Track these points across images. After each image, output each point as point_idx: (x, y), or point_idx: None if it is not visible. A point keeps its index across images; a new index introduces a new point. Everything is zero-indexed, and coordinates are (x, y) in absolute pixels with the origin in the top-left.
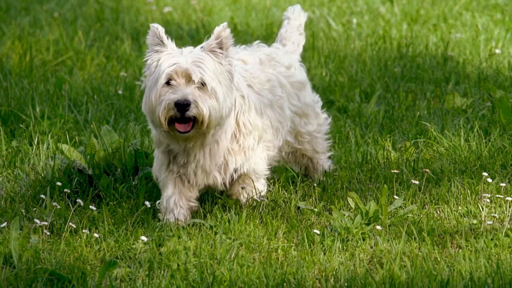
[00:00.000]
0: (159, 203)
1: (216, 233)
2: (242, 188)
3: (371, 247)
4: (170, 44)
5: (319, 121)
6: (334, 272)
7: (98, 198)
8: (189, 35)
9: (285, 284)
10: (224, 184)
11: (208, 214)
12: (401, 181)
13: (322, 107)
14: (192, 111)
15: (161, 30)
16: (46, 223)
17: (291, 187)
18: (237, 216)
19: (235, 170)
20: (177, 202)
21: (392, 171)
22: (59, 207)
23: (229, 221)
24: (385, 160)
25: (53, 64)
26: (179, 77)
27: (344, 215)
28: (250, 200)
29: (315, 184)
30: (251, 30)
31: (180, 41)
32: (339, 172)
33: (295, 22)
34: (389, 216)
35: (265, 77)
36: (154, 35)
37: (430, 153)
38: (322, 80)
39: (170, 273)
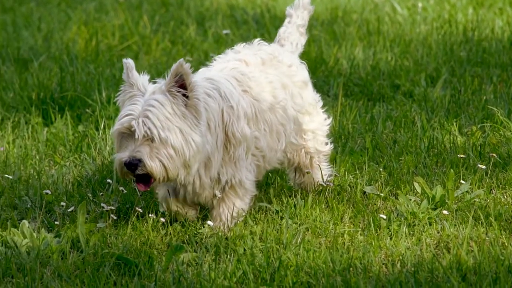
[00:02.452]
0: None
1: (282, 218)
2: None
3: (438, 232)
4: (137, 82)
5: (320, 120)
6: (400, 257)
7: None
8: (254, 19)
9: (351, 269)
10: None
11: (274, 199)
12: (468, 165)
13: (391, 90)
14: (141, 170)
15: (129, 66)
16: (112, 207)
17: (357, 172)
18: (303, 201)
19: (227, 182)
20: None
21: (459, 155)
22: (125, 191)
23: (295, 205)
24: (451, 144)
25: (118, 49)
26: (129, 131)
27: (410, 200)
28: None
29: (381, 169)
30: (316, 15)
31: (245, 26)
32: (405, 156)
33: (296, 20)
34: (456, 201)
35: (266, 79)
36: (125, 71)
37: (497, 137)
38: (387, 65)
39: (237, 258)
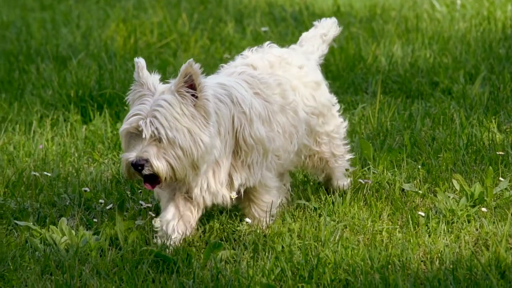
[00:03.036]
0: (155, 221)
1: (320, 215)
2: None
3: (477, 229)
4: (147, 81)
5: (336, 123)
6: (439, 254)
7: None
8: (292, 17)
9: (389, 266)
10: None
11: (312, 196)
12: (507, 163)
13: (430, 87)
14: (147, 171)
15: (140, 65)
16: (150, 205)
17: (396, 169)
18: (341, 198)
19: (241, 185)
20: (175, 228)
21: (497, 152)
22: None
23: (333, 203)
24: (490, 141)
25: (157, 47)
26: (137, 131)
27: (449, 197)
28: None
29: (419, 166)
30: (355, 12)
31: (284, 23)
32: (444, 154)
33: (321, 30)
34: (495, 198)
35: (275, 81)
36: (136, 70)
37: None
38: (426, 62)
39: (275, 255)
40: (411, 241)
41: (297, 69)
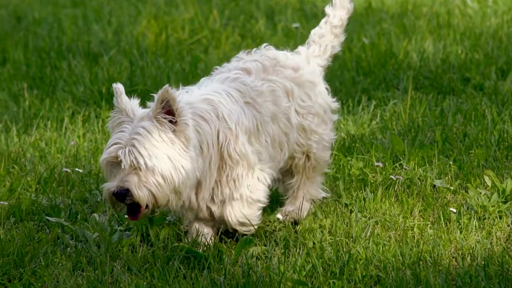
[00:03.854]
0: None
1: (351, 212)
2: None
3: (508, 226)
4: (126, 107)
5: (326, 128)
6: (470, 251)
7: None
8: (323, 13)
9: (421, 262)
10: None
11: (343, 192)
12: None
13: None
14: (129, 200)
15: (119, 91)
16: None
17: (427, 165)
18: (372, 194)
19: (222, 202)
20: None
21: None
22: None
23: (364, 199)
24: None
25: (188, 43)
26: (116, 160)
27: (480, 193)
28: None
29: (451, 162)
30: (386, 8)
31: (315, 20)
32: (475, 150)
33: (333, 20)
34: None
35: (268, 88)
36: (114, 96)
37: None
38: (457, 58)
39: (306, 251)
40: (443, 237)
41: (291, 71)
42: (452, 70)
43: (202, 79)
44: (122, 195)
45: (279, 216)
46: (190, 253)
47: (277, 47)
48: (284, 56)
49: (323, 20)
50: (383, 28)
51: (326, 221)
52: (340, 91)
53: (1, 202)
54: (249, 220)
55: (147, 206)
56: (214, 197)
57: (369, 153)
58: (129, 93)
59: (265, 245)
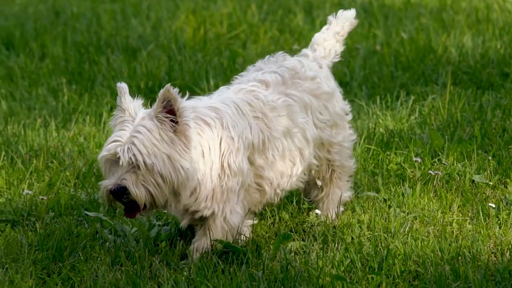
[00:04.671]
0: None
1: (390, 207)
2: None
3: None
4: (129, 106)
5: (345, 134)
6: (510, 246)
7: None
8: (362, 7)
9: (460, 257)
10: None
11: (382, 188)
12: None
13: (501, 78)
14: (126, 198)
15: (123, 90)
16: None
17: (466, 160)
18: (411, 189)
19: (202, 218)
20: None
21: None
22: None
23: (403, 194)
24: None
25: (226, 38)
26: (115, 158)
27: None
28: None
29: (490, 157)
30: (425, 3)
31: None
32: None
33: (335, 28)
34: None
35: (284, 102)
36: (118, 95)
37: None
38: (496, 53)
39: (344, 246)
40: (482, 232)
41: (310, 82)
42: (491, 65)
43: (221, 88)
44: (119, 193)
45: (317, 211)
46: (228, 247)
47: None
48: (300, 65)
49: (325, 27)
50: (422, 23)
51: (364, 216)
52: (378, 86)
53: (40, 197)
54: (231, 235)
55: (145, 206)
56: (194, 208)
57: (407, 148)
58: None
59: (303, 240)
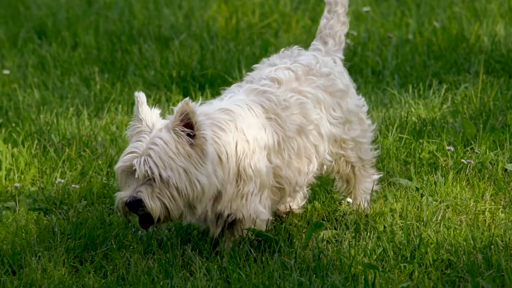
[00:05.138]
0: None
1: (422, 195)
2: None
3: None
4: (146, 117)
5: (363, 127)
6: None
7: None
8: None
9: (492, 246)
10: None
11: (414, 176)
12: None
13: None
14: (141, 211)
15: (140, 100)
16: None
17: (498, 149)
18: (443, 178)
19: (229, 216)
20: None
21: None
22: None
23: (435, 183)
24: None
25: (258, 27)
26: (131, 169)
27: None
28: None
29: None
30: None
31: (386, 3)
32: None
33: (336, 8)
34: None
35: (297, 100)
36: (135, 105)
37: None
38: None
39: (376, 235)
40: None
41: (324, 79)
42: None
43: (233, 86)
44: (135, 205)
45: (349, 200)
46: (260, 236)
47: (348, 31)
48: (315, 60)
49: (326, 9)
50: (454, 12)
51: (397, 205)
52: (411, 75)
53: (73, 185)
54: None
55: (159, 218)
56: (225, 209)
57: (440, 137)
58: (200, 77)
59: (335, 229)
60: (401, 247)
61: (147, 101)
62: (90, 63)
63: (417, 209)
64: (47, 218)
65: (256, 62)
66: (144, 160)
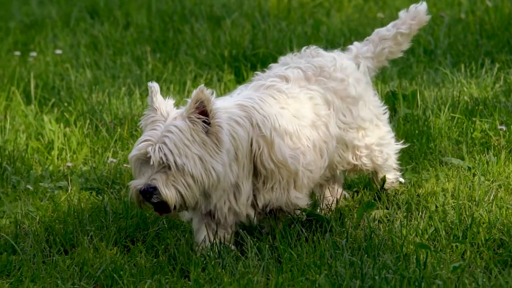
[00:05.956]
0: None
1: (474, 175)
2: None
3: None
4: (160, 106)
5: (380, 134)
6: None
7: None
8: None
9: None
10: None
11: (466, 156)
12: None
13: None
14: (156, 199)
15: (154, 90)
16: None
17: None
18: (495, 157)
19: (265, 206)
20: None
21: None
22: None
23: (487, 162)
24: None
25: (310, 6)
26: (146, 157)
27: None
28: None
29: None
30: None
31: None
32: None
33: (401, 27)
34: None
35: (306, 95)
36: (149, 95)
37: None
38: None
39: (428, 215)
40: None
41: (336, 83)
42: None
43: (239, 87)
44: (149, 193)
45: (401, 179)
46: (311, 216)
47: (400, 9)
48: (331, 63)
49: (391, 23)
50: None
51: (449, 184)
52: (463, 54)
53: (125, 165)
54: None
55: (174, 206)
56: (258, 201)
57: (492, 116)
58: (252, 56)
59: (387, 208)
60: (453, 226)
61: (199, 81)
62: (142, 42)
63: (469, 189)
64: (99, 197)
65: (308, 42)
66: (159, 148)
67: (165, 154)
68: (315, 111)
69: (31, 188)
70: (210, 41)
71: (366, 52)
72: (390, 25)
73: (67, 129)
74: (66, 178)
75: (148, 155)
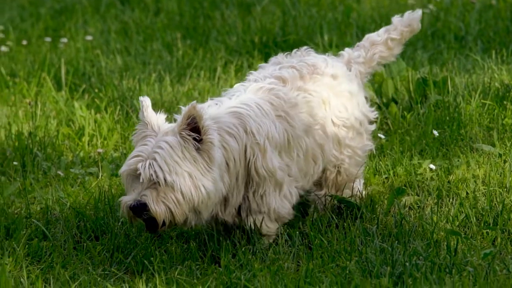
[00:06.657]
0: None
1: (505, 161)
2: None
3: None
4: (151, 121)
5: (362, 142)
6: None
7: (387, 126)
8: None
9: None
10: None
11: (497, 142)
12: None
13: None
14: (146, 215)
15: (145, 104)
16: None
17: None
18: None
19: (247, 216)
20: None
21: None
22: None
23: None
24: None
25: None
26: (136, 173)
27: None
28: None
29: None
30: None
31: None
32: None
33: (392, 33)
34: None
35: (303, 99)
36: (140, 109)
37: None
38: None
39: (459, 201)
40: None
41: (329, 79)
42: None
43: (236, 85)
44: (139, 209)
45: (431, 166)
46: (342, 202)
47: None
48: (323, 62)
49: (383, 28)
50: None
51: (479, 171)
52: (494, 40)
53: None
54: (271, 232)
55: (164, 223)
56: (241, 211)
57: None
58: (282, 43)
59: (417, 195)
60: (483, 213)
61: (230, 67)
62: (172, 29)
63: (500, 175)
64: None
65: (339, 28)
66: (149, 164)
67: (155, 171)
68: (311, 115)
69: (62, 174)
70: (240, 27)
71: (357, 57)
72: (381, 30)
73: (98, 115)
74: (97, 164)
75: (138, 172)
